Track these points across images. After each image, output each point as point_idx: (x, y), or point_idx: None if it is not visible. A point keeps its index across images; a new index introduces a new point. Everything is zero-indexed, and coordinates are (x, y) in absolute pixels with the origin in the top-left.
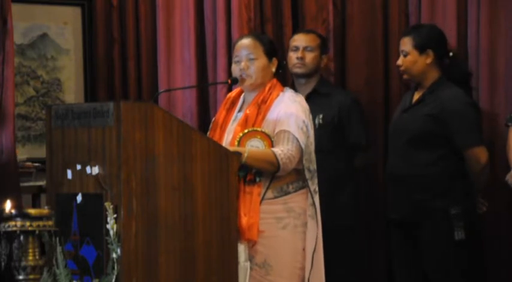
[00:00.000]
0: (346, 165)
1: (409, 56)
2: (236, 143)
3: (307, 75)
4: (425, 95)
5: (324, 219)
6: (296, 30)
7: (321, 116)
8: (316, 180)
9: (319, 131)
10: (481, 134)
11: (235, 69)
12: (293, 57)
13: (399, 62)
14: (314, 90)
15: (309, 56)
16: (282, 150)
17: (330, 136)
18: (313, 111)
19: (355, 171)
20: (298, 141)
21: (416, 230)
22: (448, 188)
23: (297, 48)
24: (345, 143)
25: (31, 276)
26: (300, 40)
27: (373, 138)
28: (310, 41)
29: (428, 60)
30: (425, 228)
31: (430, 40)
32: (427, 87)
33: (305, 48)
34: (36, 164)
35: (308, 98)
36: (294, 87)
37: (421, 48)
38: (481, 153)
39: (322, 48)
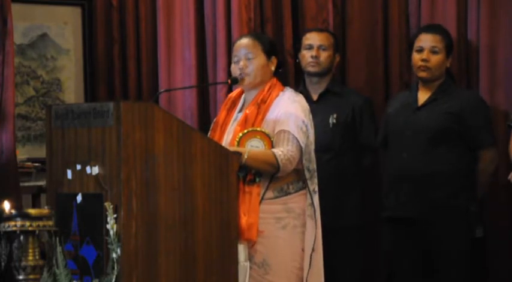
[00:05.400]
0: (356, 165)
1: (440, 55)
2: (236, 143)
3: (320, 74)
4: (437, 94)
5: (334, 219)
6: (297, 30)
7: (334, 115)
8: (315, 180)
9: (332, 130)
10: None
11: (235, 69)
12: (307, 55)
13: (426, 56)
14: (327, 90)
15: (324, 55)
16: (282, 151)
17: (343, 136)
18: (327, 111)
19: (363, 172)
20: (298, 141)
21: (429, 227)
22: (467, 185)
23: (311, 47)
24: (356, 143)
25: (31, 276)
26: (313, 39)
27: None
28: (324, 39)
29: (448, 65)
30: (442, 225)
31: (453, 45)
32: (435, 87)
33: (319, 47)
34: (36, 164)
35: (321, 98)
36: (301, 86)
37: (448, 51)
38: (495, 154)
39: (336, 47)
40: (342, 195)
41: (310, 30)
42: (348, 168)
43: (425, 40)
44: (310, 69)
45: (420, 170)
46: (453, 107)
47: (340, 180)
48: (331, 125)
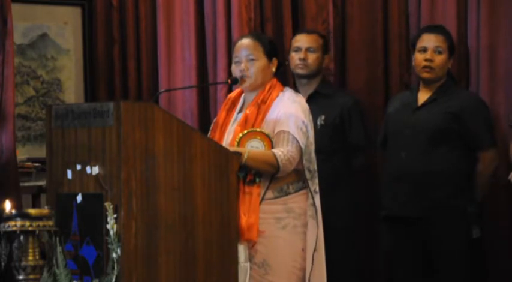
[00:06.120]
0: (346, 166)
1: (444, 55)
2: (236, 144)
3: (309, 76)
4: (438, 94)
5: (323, 220)
6: (296, 30)
7: (322, 117)
8: (316, 180)
9: (320, 131)
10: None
11: (235, 70)
12: (295, 57)
13: (430, 56)
14: (316, 91)
15: (312, 57)
16: (282, 152)
17: (331, 137)
18: (315, 112)
19: (353, 172)
20: (297, 141)
21: (428, 227)
22: (466, 186)
23: (299, 49)
24: (345, 144)
25: (31, 276)
26: (302, 41)
27: (372, 138)
28: (312, 41)
29: (450, 66)
30: (442, 225)
31: (455, 46)
32: (436, 87)
33: (307, 49)
34: (36, 164)
35: (310, 99)
36: (295, 87)
37: (451, 52)
38: (495, 155)
39: (324, 48)
40: (331, 196)
41: (299, 32)
42: (336, 169)
43: (429, 40)
44: (299, 71)
45: (419, 170)
46: (453, 107)
47: (329, 181)
48: (319, 127)
